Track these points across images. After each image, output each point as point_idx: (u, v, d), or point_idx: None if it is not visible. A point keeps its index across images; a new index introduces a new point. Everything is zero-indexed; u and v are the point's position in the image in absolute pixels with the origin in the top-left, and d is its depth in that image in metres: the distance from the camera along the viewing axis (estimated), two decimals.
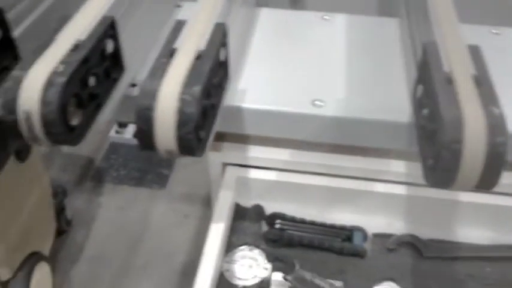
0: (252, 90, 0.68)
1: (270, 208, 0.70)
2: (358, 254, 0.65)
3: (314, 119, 0.66)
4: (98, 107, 0.56)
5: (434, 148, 0.48)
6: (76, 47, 0.51)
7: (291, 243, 0.65)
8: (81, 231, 1.48)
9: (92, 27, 0.54)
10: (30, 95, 0.47)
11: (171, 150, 0.48)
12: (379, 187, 0.69)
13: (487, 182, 0.47)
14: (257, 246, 0.64)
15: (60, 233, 1.40)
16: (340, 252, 0.65)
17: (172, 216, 1.50)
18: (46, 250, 1.21)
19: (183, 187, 1.60)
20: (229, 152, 0.70)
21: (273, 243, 0.65)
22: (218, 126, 0.68)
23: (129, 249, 1.43)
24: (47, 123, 0.47)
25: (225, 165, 0.71)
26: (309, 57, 0.76)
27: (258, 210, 0.69)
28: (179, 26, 0.56)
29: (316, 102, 0.67)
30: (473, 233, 0.69)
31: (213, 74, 0.53)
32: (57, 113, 0.47)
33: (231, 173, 0.70)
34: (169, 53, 0.52)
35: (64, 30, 0.54)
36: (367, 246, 0.67)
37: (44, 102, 0.46)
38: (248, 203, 0.71)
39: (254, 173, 0.70)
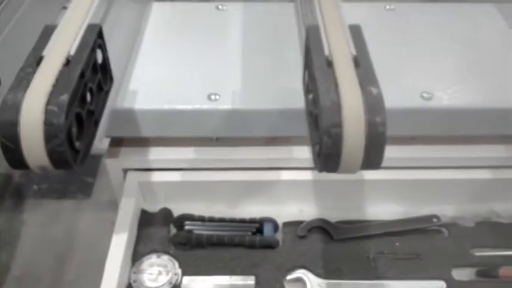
0: (145, 90, 0.66)
1: (178, 210, 0.68)
2: (270, 246, 0.64)
3: (211, 113, 0.64)
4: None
5: (317, 133, 0.48)
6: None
7: (200, 244, 0.63)
8: (5, 251, 1.40)
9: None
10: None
11: (44, 165, 0.45)
12: (286, 175, 0.69)
13: (372, 162, 0.47)
14: (166, 252, 0.62)
15: None
16: (252, 246, 0.64)
17: (100, 226, 1.44)
18: None
19: (110, 194, 1.53)
20: (128, 157, 0.67)
21: (183, 246, 0.63)
22: (113, 131, 0.65)
23: (58, 264, 1.37)
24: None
25: (125, 170, 0.68)
26: (203, 50, 0.74)
27: (165, 214, 0.66)
28: (48, 31, 0.53)
29: (212, 96, 0.65)
30: (382, 210, 0.70)
31: (87, 79, 0.50)
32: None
33: (133, 178, 0.67)
34: (36, 61, 0.49)
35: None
36: (279, 236, 0.66)
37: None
38: (155, 207, 0.68)
39: (157, 176, 0.68)
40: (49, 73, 0.46)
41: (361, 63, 0.51)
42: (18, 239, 1.47)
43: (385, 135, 0.46)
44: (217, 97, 0.65)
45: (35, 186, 1.59)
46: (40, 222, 1.51)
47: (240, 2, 0.85)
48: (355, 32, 0.56)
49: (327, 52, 0.52)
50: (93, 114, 0.52)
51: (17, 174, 1.65)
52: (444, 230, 0.67)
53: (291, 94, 0.65)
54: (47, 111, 0.43)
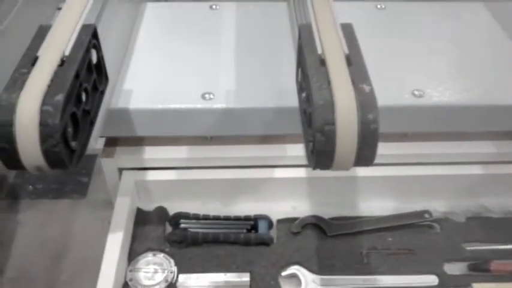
0: (137, 90, 0.66)
1: (174, 208, 0.68)
2: (264, 243, 0.65)
3: (205, 112, 0.65)
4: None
5: (310, 131, 0.49)
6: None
7: (196, 242, 0.64)
8: (1, 252, 1.40)
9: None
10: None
11: (40, 166, 0.45)
12: (279, 173, 0.70)
13: (365, 159, 0.48)
14: (162, 250, 0.63)
15: None
16: (246, 243, 0.64)
17: (96, 225, 1.45)
18: None
19: (105, 193, 1.53)
20: (123, 156, 0.68)
21: (178, 245, 0.64)
22: (107, 131, 0.65)
23: (53, 264, 1.37)
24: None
25: (121, 170, 0.68)
26: (198, 49, 0.74)
27: (160, 212, 0.67)
28: (43, 31, 0.53)
29: (206, 96, 0.66)
30: (374, 206, 0.71)
31: (82, 79, 0.51)
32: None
33: (128, 177, 0.68)
34: (30, 61, 0.49)
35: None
36: (273, 233, 0.67)
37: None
38: (150, 206, 0.68)
39: (152, 175, 0.68)
40: (44, 73, 0.47)
41: (354, 61, 0.52)
42: (13, 241, 1.47)
43: (377, 132, 0.46)
44: (211, 96, 0.65)
45: (30, 187, 1.59)
46: (35, 222, 1.51)
47: (233, 1, 0.85)
48: (347, 30, 0.57)
49: (319, 50, 0.52)
50: (88, 114, 0.52)
51: (12, 174, 1.65)
52: (436, 225, 0.68)
53: (284, 93, 0.66)
54: (42, 112, 0.44)
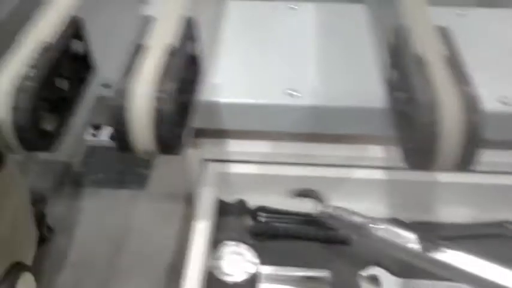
0: (225, 84, 0.68)
1: (253, 202, 0.70)
2: (344, 242, 0.65)
3: (289, 109, 0.66)
4: (71, 110, 0.55)
5: (412, 131, 0.49)
6: (44, 49, 0.50)
7: (276, 236, 0.65)
8: (64, 237, 1.45)
9: (59, 27, 0.53)
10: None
11: (150, 150, 0.47)
12: (359, 173, 0.70)
13: (465, 162, 0.47)
14: (243, 241, 0.64)
15: (43, 240, 1.37)
16: (326, 241, 0.65)
17: (154, 216, 1.48)
18: (29, 259, 1.19)
19: (164, 186, 1.57)
20: (208, 148, 0.70)
21: (259, 237, 0.65)
22: (195, 122, 0.67)
23: (113, 252, 1.41)
24: (19, 131, 0.46)
25: (204, 161, 0.70)
26: (279, 47, 0.75)
27: (241, 204, 0.68)
28: (147, 22, 0.55)
29: (290, 92, 0.67)
30: (453, 213, 0.70)
31: (186, 69, 0.53)
32: (28, 119, 0.45)
33: (212, 169, 0.69)
34: (140, 50, 0.51)
35: (29, 31, 0.52)
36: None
37: (15, 109, 0.45)
38: (231, 198, 0.70)
39: (235, 168, 0.70)
40: (155, 62, 0.49)
41: (454, 63, 0.52)
42: (76, 227, 1.52)
43: (481, 134, 0.46)
44: (296, 93, 0.66)
45: (93, 176, 1.65)
46: (97, 210, 1.56)
47: (310, 2, 0.86)
48: (444, 33, 0.57)
49: (419, 51, 0.52)
50: (188, 104, 0.54)
51: (76, 162, 1.71)
52: None
53: (366, 93, 0.66)
54: (156, 98, 0.46)
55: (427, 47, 0.53)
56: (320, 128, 0.67)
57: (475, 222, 0.69)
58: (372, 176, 0.70)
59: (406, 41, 0.55)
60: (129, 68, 0.49)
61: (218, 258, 0.62)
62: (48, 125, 0.49)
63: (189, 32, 0.55)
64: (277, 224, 0.66)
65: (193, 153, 0.69)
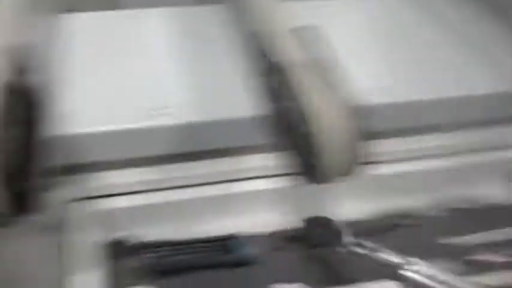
0: (81, 111, 0.59)
1: (141, 236, 0.60)
2: (249, 262, 0.59)
3: (155, 130, 0.59)
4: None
5: (291, 143, 0.45)
6: None
7: (181, 269, 0.58)
8: None
9: None
10: None
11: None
12: (242, 186, 0.65)
13: (350, 169, 0.45)
14: (148, 284, 0.56)
15: None
16: (233, 265, 0.59)
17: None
18: None
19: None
20: (77, 185, 0.61)
21: (164, 275, 0.57)
22: (55, 159, 0.58)
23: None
24: None
25: (74, 200, 0.61)
26: (136, 62, 0.67)
27: (134, 241, 0.60)
28: None
29: (154, 111, 0.60)
30: (354, 209, 0.68)
31: (26, 108, 0.44)
32: None
33: (81, 208, 0.60)
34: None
35: None
36: (256, 249, 0.61)
37: None
38: (113, 236, 0.61)
39: (113, 202, 0.61)
40: None
41: (319, 65, 0.49)
42: None
43: (361, 140, 0.44)
44: (160, 111, 0.60)
45: None
46: None
47: (156, 7, 0.78)
48: (312, 33, 0.54)
49: (283, 56, 0.49)
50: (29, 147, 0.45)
51: None
52: None
53: (235, 103, 0.61)
54: None
55: (293, 51, 0.50)
56: (193, 145, 0.62)
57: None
58: (256, 187, 0.66)
59: (265, 48, 0.51)
60: None
61: None
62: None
63: (24, 63, 0.46)
64: (180, 257, 0.59)
65: (59, 194, 0.60)
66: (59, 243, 0.56)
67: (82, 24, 0.73)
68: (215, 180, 0.64)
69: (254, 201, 0.65)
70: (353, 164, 0.44)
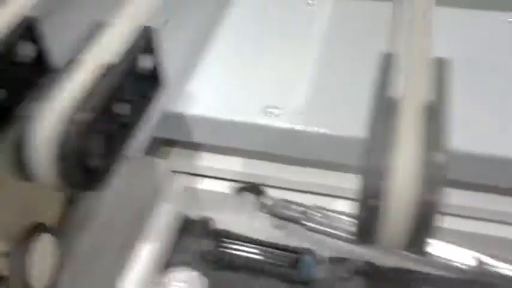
0: (203, 94, 0.61)
1: (219, 222, 0.64)
2: (306, 283, 0.58)
3: (265, 129, 0.58)
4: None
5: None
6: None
7: (233, 266, 0.59)
8: (93, 198, 1.47)
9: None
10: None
11: (53, 184, 0.43)
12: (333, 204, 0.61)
13: (413, 245, 0.39)
14: (196, 268, 0.59)
15: (71, 201, 1.40)
16: (287, 280, 0.58)
17: None
18: (52, 221, 1.22)
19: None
20: (177, 159, 0.64)
21: (214, 265, 0.59)
22: (163, 132, 0.62)
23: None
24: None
25: (172, 173, 0.65)
26: (281, 53, 0.66)
27: (205, 225, 0.63)
28: (95, 29, 0.49)
29: (270, 111, 0.59)
30: None
31: (127, 88, 0.47)
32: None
33: (179, 181, 0.64)
34: (71, 66, 0.46)
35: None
36: (319, 271, 0.59)
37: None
38: (195, 215, 0.64)
39: (205, 183, 0.64)
40: (79, 83, 0.43)
41: (436, 113, 0.42)
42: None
43: (433, 218, 0.37)
44: (275, 112, 0.58)
45: None
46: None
47: None
48: (441, 68, 0.46)
49: (396, 92, 0.43)
50: (126, 127, 0.48)
51: None
52: None
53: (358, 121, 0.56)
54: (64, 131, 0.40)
55: (407, 88, 0.43)
56: (298, 152, 0.59)
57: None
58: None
59: (386, 73, 0.45)
60: (52, 89, 0.43)
61: (163, 284, 0.57)
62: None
63: (143, 43, 0.48)
64: (237, 253, 0.60)
65: (160, 163, 0.64)
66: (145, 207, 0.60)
67: (248, 6, 0.74)
68: (312, 190, 0.62)
69: None
70: (416, 243, 0.38)
